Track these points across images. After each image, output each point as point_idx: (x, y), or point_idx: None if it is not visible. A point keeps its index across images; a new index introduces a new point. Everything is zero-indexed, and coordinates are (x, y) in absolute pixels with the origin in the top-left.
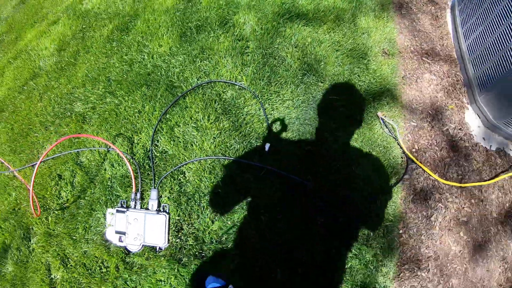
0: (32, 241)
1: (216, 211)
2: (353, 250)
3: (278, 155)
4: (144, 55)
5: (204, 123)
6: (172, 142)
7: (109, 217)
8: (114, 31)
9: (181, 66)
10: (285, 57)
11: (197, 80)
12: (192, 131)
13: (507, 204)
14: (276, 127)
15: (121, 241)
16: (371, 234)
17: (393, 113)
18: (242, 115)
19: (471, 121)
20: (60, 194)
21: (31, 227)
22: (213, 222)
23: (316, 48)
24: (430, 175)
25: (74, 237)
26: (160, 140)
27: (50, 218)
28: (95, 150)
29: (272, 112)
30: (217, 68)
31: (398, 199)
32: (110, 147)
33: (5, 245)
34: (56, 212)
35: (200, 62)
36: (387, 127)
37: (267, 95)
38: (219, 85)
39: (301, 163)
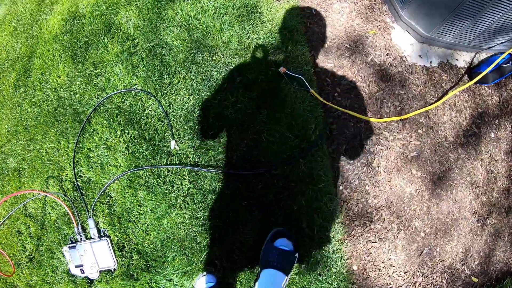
0: None
1: (145, 222)
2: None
3: (185, 149)
4: (48, 92)
5: (113, 139)
6: (91, 169)
7: (67, 254)
8: (17, 77)
9: (80, 90)
10: (171, 43)
11: (97, 99)
12: (104, 152)
13: (464, 123)
14: (177, 121)
15: (83, 273)
16: (302, 202)
17: (302, 61)
18: (144, 119)
19: (401, 41)
20: (25, 247)
21: (16, 285)
22: (147, 233)
23: (200, 20)
24: (360, 118)
25: (48, 281)
26: (82, 170)
27: (24, 271)
28: (34, 198)
29: (171, 106)
30: (111, 79)
31: (327, 154)
32: (46, 192)
33: None
34: (27, 264)
35: (96, 78)
36: (295, 81)
37: (162, 90)
38: (116, 97)
39: (209, 149)
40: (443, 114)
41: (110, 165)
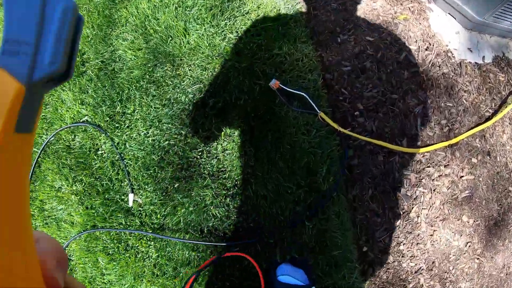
0: None
1: None
2: None
3: (148, 205)
4: None
5: (65, 189)
6: (47, 225)
7: None
8: None
9: None
10: (124, 55)
11: (46, 136)
12: (58, 205)
13: None
14: (135, 166)
15: None
16: (309, 273)
17: (304, 67)
18: (96, 163)
19: (443, 29)
20: None
21: None
22: None
23: (160, 19)
24: (393, 149)
25: None
26: (38, 225)
27: None
28: None
29: (126, 145)
30: (58, 109)
31: (345, 205)
32: None
33: None
34: None
35: (44, 109)
36: (295, 99)
37: (114, 123)
38: (64, 133)
39: (177, 206)
40: (502, 131)
41: (65, 222)
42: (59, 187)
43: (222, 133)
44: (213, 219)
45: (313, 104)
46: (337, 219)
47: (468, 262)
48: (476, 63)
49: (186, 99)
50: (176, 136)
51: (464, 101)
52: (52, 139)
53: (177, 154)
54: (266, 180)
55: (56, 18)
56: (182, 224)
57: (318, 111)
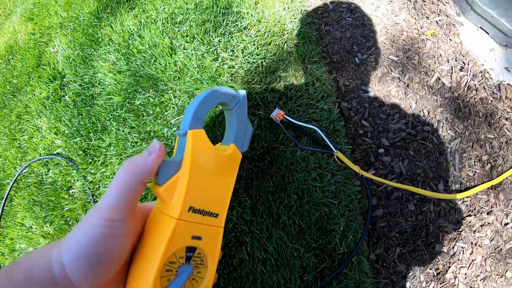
0: None
1: None
2: None
3: None
4: None
5: (36, 230)
6: None
7: None
8: None
9: (4, 153)
10: (104, 78)
11: (19, 167)
12: (26, 247)
13: None
14: None
15: None
16: None
17: (316, 93)
18: (66, 203)
19: (476, 45)
20: None
21: None
22: None
23: (145, 37)
24: (426, 195)
25: None
26: None
27: None
28: None
29: (100, 185)
30: (33, 138)
31: (367, 268)
32: None
33: None
34: None
35: (20, 136)
36: (304, 134)
37: (87, 158)
38: (37, 165)
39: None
40: None
41: None
42: (29, 226)
43: None
44: None
45: (327, 140)
46: None
47: None
48: None
49: (169, 133)
50: None
51: (506, 131)
52: (25, 171)
53: None
54: (265, 240)
55: (248, 133)
56: None
57: (334, 150)
